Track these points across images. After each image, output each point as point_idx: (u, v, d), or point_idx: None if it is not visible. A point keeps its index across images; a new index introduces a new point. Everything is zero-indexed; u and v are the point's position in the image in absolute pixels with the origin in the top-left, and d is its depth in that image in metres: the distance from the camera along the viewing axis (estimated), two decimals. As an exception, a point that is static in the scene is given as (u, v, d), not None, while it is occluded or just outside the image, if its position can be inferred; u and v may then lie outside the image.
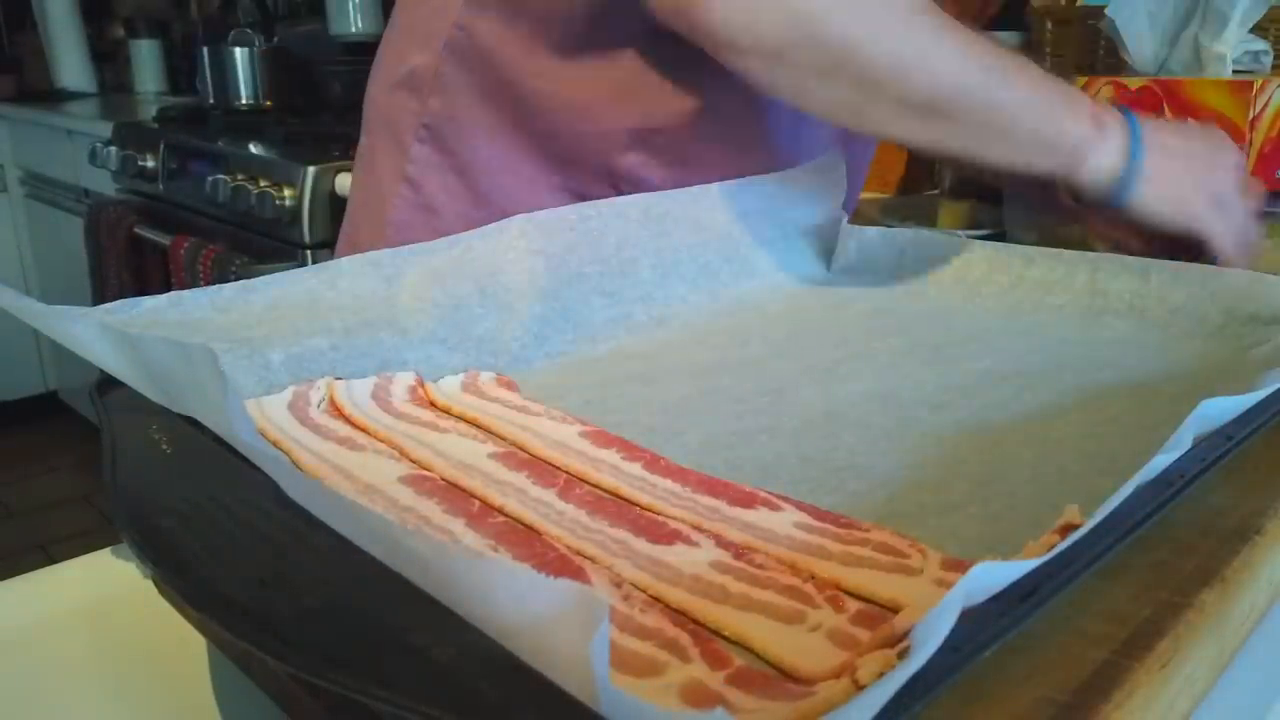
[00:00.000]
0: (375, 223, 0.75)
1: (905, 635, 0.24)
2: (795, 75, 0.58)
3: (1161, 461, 0.31)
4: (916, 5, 0.57)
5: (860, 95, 0.58)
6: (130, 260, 2.03)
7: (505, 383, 0.49)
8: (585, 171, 0.70)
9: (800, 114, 0.74)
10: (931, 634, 0.22)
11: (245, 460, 0.31)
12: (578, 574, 0.30)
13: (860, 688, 0.22)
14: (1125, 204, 0.62)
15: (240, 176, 1.69)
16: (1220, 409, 0.35)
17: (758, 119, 0.72)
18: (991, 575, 0.24)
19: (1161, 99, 0.95)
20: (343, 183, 1.55)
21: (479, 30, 0.68)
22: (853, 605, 0.28)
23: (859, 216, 0.94)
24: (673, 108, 0.68)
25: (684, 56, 0.59)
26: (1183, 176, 0.62)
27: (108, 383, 0.40)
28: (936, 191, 1.27)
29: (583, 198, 0.70)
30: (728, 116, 0.70)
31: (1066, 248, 0.63)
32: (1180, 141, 0.64)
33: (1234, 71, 0.99)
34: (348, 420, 0.42)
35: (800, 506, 0.35)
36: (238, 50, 2.20)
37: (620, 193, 0.69)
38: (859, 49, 0.56)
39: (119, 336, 0.37)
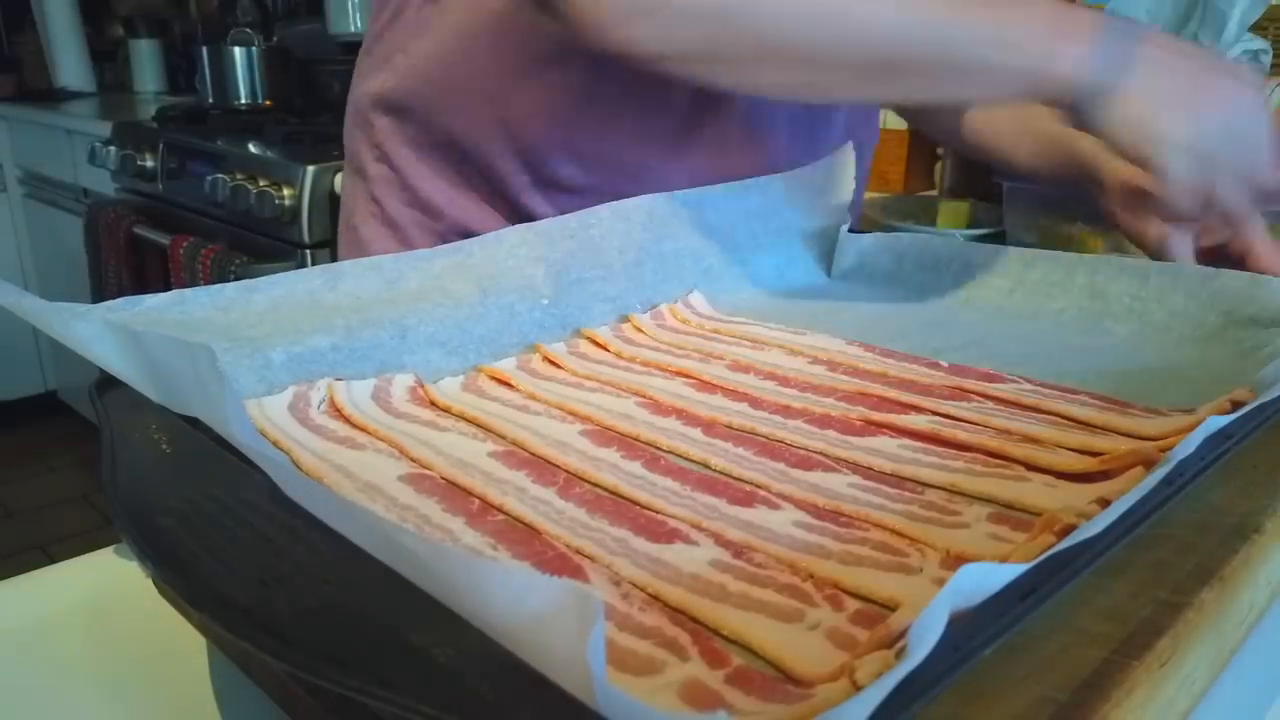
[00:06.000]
0: (354, 241, 0.77)
1: (903, 634, 0.24)
2: (737, 70, 0.55)
3: (1156, 476, 0.30)
4: None
5: (806, 73, 0.55)
6: (129, 260, 2.02)
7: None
8: (518, 183, 0.70)
9: (796, 114, 0.74)
10: (926, 634, 0.22)
11: (245, 460, 0.31)
12: (576, 572, 0.30)
13: (858, 688, 0.22)
14: (1098, 124, 0.55)
15: (239, 176, 1.69)
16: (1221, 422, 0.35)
17: (745, 123, 0.71)
18: (986, 576, 0.24)
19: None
20: (342, 182, 1.55)
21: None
22: (851, 604, 0.28)
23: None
24: (606, 121, 0.67)
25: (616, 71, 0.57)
26: (1171, 96, 0.54)
27: (107, 382, 0.40)
28: (936, 192, 1.27)
29: (518, 208, 0.70)
30: (710, 123, 0.69)
31: (1066, 248, 0.63)
32: (1186, 65, 0.56)
33: (1233, 71, 0.98)
34: (348, 420, 0.42)
35: (800, 505, 0.35)
36: (237, 50, 2.20)
37: (554, 202, 0.69)
38: (777, 31, 0.52)
39: (122, 333, 0.36)
